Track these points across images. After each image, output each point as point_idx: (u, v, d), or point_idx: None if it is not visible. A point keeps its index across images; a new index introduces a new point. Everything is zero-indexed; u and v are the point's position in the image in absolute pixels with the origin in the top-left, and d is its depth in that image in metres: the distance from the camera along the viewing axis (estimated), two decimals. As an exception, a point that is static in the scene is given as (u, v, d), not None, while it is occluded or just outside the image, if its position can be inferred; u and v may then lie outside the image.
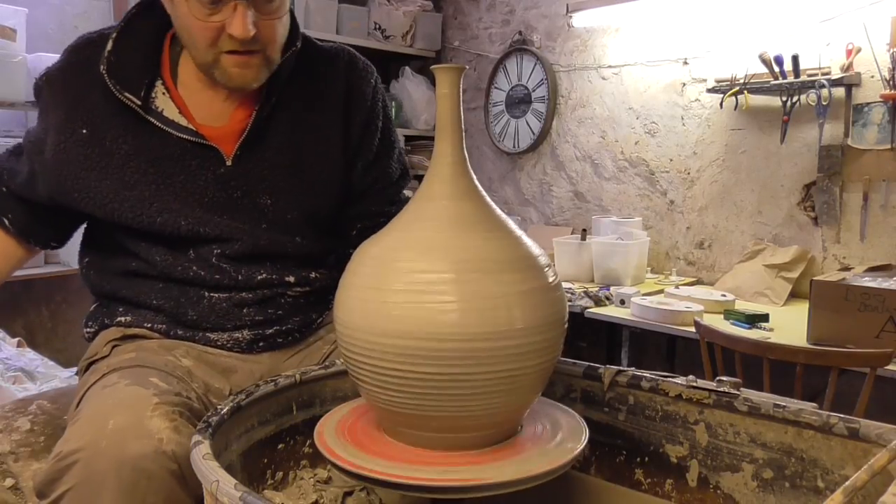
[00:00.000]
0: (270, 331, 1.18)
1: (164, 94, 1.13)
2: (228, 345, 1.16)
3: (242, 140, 1.13)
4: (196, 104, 1.15)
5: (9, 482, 1.07)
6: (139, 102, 1.10)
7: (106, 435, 0.87)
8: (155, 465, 0.86)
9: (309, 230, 1.20)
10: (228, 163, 1.13)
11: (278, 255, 1.17)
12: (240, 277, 1.13)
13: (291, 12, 1.15)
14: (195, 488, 0.86)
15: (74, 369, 1.12)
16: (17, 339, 2.32)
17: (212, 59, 1.06)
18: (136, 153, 1.11)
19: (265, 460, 0.94)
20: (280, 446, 0.97)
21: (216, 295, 1.14)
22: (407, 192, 1.35)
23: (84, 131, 1.10)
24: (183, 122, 1.12)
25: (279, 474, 0.96)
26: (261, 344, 1.18)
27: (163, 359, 1.08)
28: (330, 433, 0.84)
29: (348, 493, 0.95)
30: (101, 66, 1.09)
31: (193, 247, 1.14)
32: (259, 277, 1.15)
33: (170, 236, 1.12)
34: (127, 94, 1.09)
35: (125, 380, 0.98)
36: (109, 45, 1.10)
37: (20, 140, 1.22)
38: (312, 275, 1.20)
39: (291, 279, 1.18)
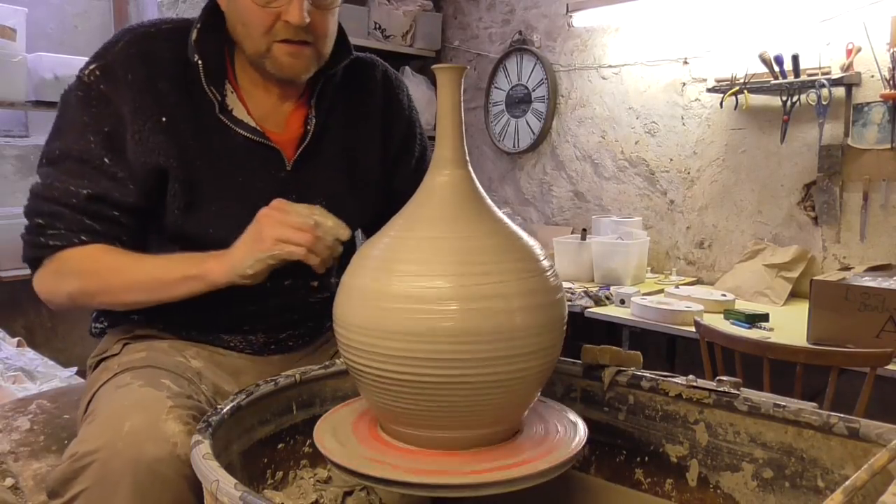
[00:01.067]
0: (284, 335, 1.19)
1: (232, 93, 1.14)
2: (241, 346, 1.16)
3: (305, 146, 1.15)
4: (255, 107, 1.16)
5: (9, 482, 1.07)
6: (219, 98, 1.11)
7: (122, 437, 0.87)
8: (169, 469, 0.86)
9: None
10: (289, 167, 1.15)
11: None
12: (267, 284, 1.07)
13: (340, 24, 1.17)
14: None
15: (74, 369, 1.12)
16: (17, 339, 2.32)
17: (265, 47, 1.07)
18: (204, 149, 1.11)
19: (265, 460, 0.94)
20: (280, 446, 0.97)
21: (239, 300, 1.11)
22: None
23: (163, 119, 1.08)
24: (251, 122, 1.13)
25: (279, 474, 0.96)
26: (272, 347, 1.19)
27: (173, 360, 1.08)
28: (330, 432, 0.84)
29: (348, 493, 0.95)
30: (195, 56, 1.09)
31: None
32: (286, 283, 1.14)
33: (218, 246, 1.08)
34: (212, 89, 1.10)
35: (138, 380, 0.99)
36: (195, 36, 1.10)
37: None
38: (333, 279, 1.20)
39: (315, 284, 1.19)
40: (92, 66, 1.10)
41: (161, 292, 1.05)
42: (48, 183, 1.08)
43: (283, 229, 0.96)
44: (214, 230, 1.10)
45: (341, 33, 1.19)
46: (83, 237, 1.07)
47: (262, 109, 1.16)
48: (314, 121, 1.17)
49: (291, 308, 1.18)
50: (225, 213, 1.11)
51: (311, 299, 1.20)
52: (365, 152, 1.25)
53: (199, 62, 1.09)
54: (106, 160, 1.07)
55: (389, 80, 1.31)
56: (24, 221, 1.11)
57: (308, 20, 1.05)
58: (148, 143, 1.07)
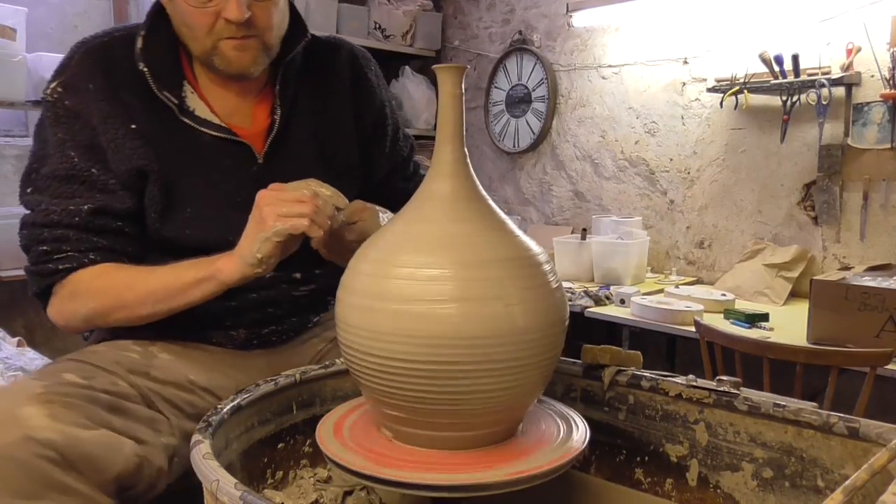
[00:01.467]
0: (266, 330, 1.18)
1: (192, 93, 1.14)
2: (223, 342, 1.16)
3: (273, 137, 1.15)
4: (218, 104, 1.15)
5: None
6: (176, 102, 1.10)
7: None
8: (22, 452, 0.83)
9: None
10: (260, 160, 1.15)
11: (310, 251, 1.13)
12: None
13: (293, 7, 1.17)
14: (94, 476, 0.87)
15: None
16: (17, 339, 2.31)
17: (211, 45, 1.07)
18: (175, 152, 1.11)
19: (265, 460, 0.94)
20: (280, 446, 0.97)
21: (223, 298, 1.10)
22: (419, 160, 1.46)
23: (133, 126, 1.08)
24: (216, 120, 1.13)
25: (279, 474, 0.96)
26: (255, 342, 1.18)
27: (119, 354, 1.05)
28: (330, 432, 0.84)
29: (348, 493, 0.95)
30: (140, 65, 1.08)
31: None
32: (268, 276, 1.11)
33: (195, 247, 1.09)
34: (166, 93, 1.10)
35: (34, 374, 0.99)
36: (140, 44, 1.10)
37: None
38: (317, 271, 1.20)
39: (298, 276, 1.18)
40: (53, 85, 1.09)
41: (176, 300, 1.04)
42: (43, 209, 1.07)
43: (282, 205, 0.96)
44: (192, 231, 1.11)
45: (295, 17, 1.18)
46: (92, 256, 1.07)
47: (225, 106, 1.16)
48: (279, 110, 1.17)
49: (274, 302, 1.17)
50: (202, 215, 1.11)
51: (294, 293, 1.19)
52: (338, 136, 1.24)
53: (146, 70, 1.09)
54: (94, 171, 1.07)
55: (356, 59, 1.30)
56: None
57: (248, 14, 1.05)
58: (125, 150, 1.07)
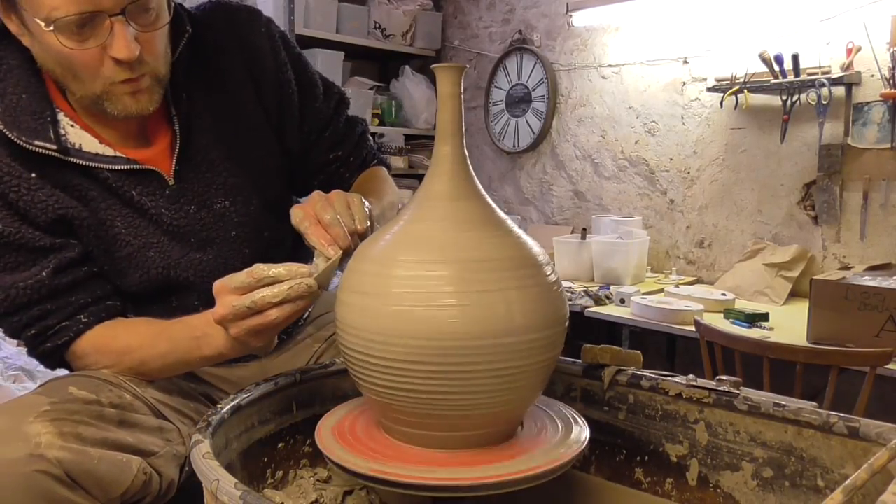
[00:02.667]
0: None
1: (72, 126, 0.98)
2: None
3: (178, 152, 1.03)
4: (106, 131, 1.01)
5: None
6: (55, 147, 0.95)
7: None
8: (28, 469, 0.80)
9: (273, 216, 1.12)
10: (171, 182, 1.04)
11: (260, 257, 0.99)
12: None
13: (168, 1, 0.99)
14: (100, 495, 0.85)
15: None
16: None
17: (100, 90, 0.93)
18: (82, 197, 0.98)
19: (265, 459, 0.94)
20: (280, 445, 0.97)
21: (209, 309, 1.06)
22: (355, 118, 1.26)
23: (32, 175, 0.95)
24: (109, 151, 0.99)
25: (279, 473, 0.96)
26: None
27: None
28: (330, 432, 0.84)
29: (348, 493, 0.95)
30: None
31: (174, 294, 1.05)
32: None
33: (145, 290, 1.02)
34: (38, 143, 0.94)
35: (40, 389, 0.95)
36: None
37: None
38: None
39: None
40: None
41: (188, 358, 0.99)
42: (2, 297, 0.96)
43: (248, 321, 0.83)
44: (138, 272, 1.03)
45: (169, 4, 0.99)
46: (82, 318, 0.99)
47: (115, 132, 1.01)
48: (177, 122, 1.03)
49: None
50: (141, 255, 1.02)
51: None
52: (245, 127, 1.09)
53: (3, 129, 0.93)
54: (23, 231, 0.95)
55: (238, 24, 1.10)
56: None
57: (138, 50, 0.90)
58: (37, 203, 0.95)
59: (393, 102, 3.86)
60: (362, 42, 3.66)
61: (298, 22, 3.37)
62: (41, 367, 2.09)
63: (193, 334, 0.95)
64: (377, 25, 3.75)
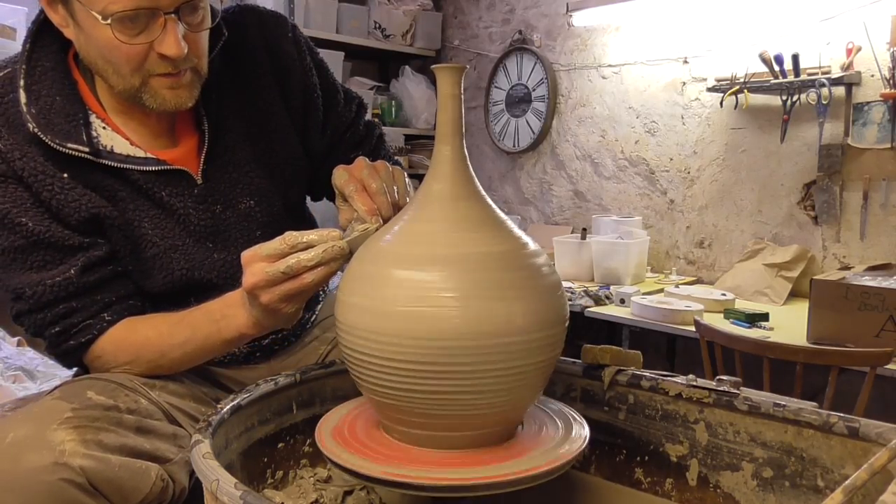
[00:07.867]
0: (267, 341, 1.17)
1: (103, 128, 1.00)
2: (225, 360, 1.14)
3: (206, 153, 1.05)
4: (136, 131, 1.03)
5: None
6: (87, 149, 0.97)
7: (2, 449, 0.82)
8: (53, 478, 0.80)
9: (292, 217, 1.15)
10: (199, 181, 1.06)
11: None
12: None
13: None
14: (120, 502, 0.85)
15: (75, 369, 1.11)
16: (17, 339, 2.32)
17: (139, 82, 0.95)
18: (112, 198, 1.00)
19: (265, 459, 0.94)
20: (280, 445, 0.97)
21: None
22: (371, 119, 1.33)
23: (65, 175, 0.97)
24: (140, 153, 1.01)
25: (279, 473, 0.96)
26: (258, 354, 1.17)
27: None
28: (330, 432, 0.84)
29: (348, 493, 0.95)
30: (30, 125, 0.94)
31: (194, 296, 1.05)
32: None
33: (167, 291, 1.04)
34: (70, 146, 0.96)
35: (58, 392, 0.95)
36: (23, 98, 0.95)
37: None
38: None
39: None
40: None
41: (210, 354, 1.01)
42: (30, 294, 0.97)
43: (280, 286, 0.84)
44: (162, 273, 1.04)
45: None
46: (106, 315, 1.00)
47: (145, 132, 1.04)
48: (206, 122, 1.05)
49: None
50: (166, 256, 1.04)
51: None
52: (271, 128, 1.12)
53: (38, 131, 0.94)
54: (53, 230, 0.97)
55: (267, 29, 1.13)
56: None
57: (186, 48, 0.92)
58: (69, 203, 0.97)
59: (393, 102, 3.86)
60: (362, 42, 3.66)
61: (298, 22, 3.37)
62: (41, 367, 2.10)
63: (213, 318, 0.96)
64: (377, 25, 3.75)
